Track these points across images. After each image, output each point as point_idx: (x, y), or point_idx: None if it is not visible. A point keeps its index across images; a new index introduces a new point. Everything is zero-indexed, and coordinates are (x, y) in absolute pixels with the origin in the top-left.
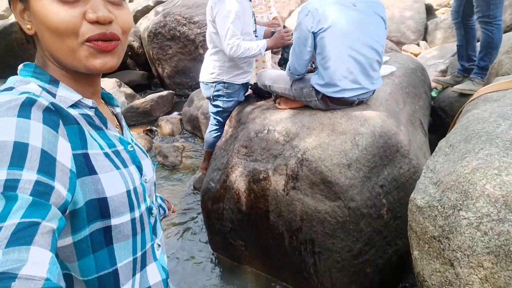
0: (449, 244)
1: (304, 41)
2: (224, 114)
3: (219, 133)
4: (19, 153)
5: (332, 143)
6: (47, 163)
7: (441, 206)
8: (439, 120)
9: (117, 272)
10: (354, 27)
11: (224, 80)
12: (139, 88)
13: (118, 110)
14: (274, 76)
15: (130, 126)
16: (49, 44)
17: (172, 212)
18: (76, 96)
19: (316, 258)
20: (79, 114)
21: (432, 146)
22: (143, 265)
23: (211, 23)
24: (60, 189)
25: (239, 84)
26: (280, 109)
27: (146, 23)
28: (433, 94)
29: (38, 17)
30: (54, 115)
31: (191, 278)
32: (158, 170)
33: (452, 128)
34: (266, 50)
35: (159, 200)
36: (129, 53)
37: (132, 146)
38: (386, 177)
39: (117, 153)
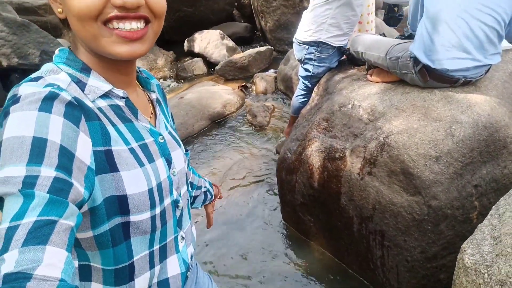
0: None
1: None
2: (313, 79)
3: (305, 99)
4: (37, 149)
5: (422, 129)
6: (66, 160)
7: (488, 275)
8: None
9: (133, 265)
10: None
11: (321, 40)
12: (242, 40)
13: (154, 96)
14: (369, 42)
15: (227, 80)
16: (75, 28)
17: (219, 198)
18: (107, 86)
19: (384, 252)
20: (108, 105)
21: None
22: (163, 257)
23: None
24: (78, 186)
25: (334, 47)
26: (371, 81)
27: None
28: None
29: (66, 2)
30: (77, 110)
31: (258, 242)
32: (245, 129)
33: None
34: None
35: (207, 185)
36: (236, 3)
37: (162, 138)
38: (484, 177)
39: (144, 147)
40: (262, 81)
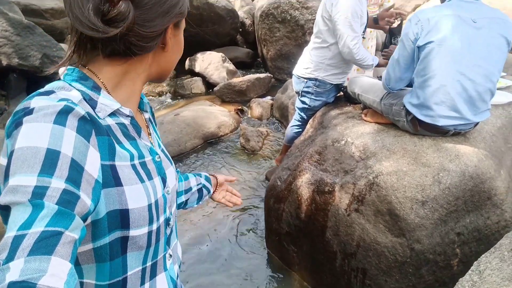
0: None
1: (409, 54)
2: (309, 112)
3: (300, 130)
4: (50, 160)
5: (411, 173)
6: (76, 173)
7: None
8: None
9: (126, 280)
10: (468, 47)
11: (319, 78)
12: (242, 65)
13: (147, 116)
14: (366, 85)
15: (224, 102)
16: (171, 60)
17: (232, 181)
18: (115, 105)
19: None
20: (115, 123)
21: None
22: (153, 274)
23: (325, 20)
24: (85, 199)
25: (331, 84)
26: (365, 121)
27: (262, 2)
28: None
29: (180, 44)
30: (88, 124)
31: (239, 269)
32: (237, 152)
33: None
34: (376, 66)
35: (202, 181)
36: (240, 29)
37: (159, 157)
38: (467, 225)
39: (143, 165)
40: (258, 107)
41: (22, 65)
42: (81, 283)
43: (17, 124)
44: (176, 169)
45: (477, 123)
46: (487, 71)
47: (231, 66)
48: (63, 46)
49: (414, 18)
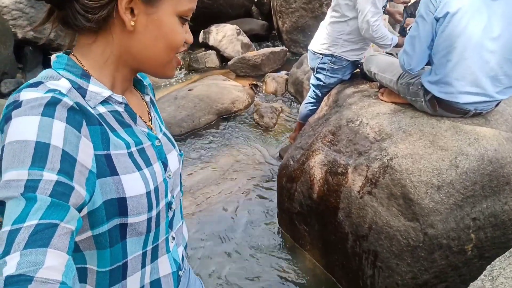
0: None
1: (430, 26)
2: (324, 89)
3: (314, 107)
4: (40, 153)
5: (427, 156)
6: (68, 164)
7: None
8: None
9: (126, 265)
10: (487, 19)
11: (335, 54)
12: (257, 38)
13: (148, 98)
14: (383, 64)
15: (238, 77)
16: (156, 52)
17: None
18: (106, 92)
19: (375, 272)
20: (108, 111)
21: None
22: (155, 257)
23: None
24: (80, 190)
25: (348, 61)
26: (381, 100)
27: None
28: None
29: (162, 27)
30: (78, 115)
31: (251, 244)
32: (251, 128)
33: None
34: (396, 46)
35: None
36: (255, 0)
37: (159, 141)
38: (483, 211)
39: (142, 151)
40: (273, 82)
41: (37, 38)
42: (85, 269)
43: (7, 118)
44: (180, 152)
45: (498, 102)
46: (509, 42)
47: (246, 39)
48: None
49: None
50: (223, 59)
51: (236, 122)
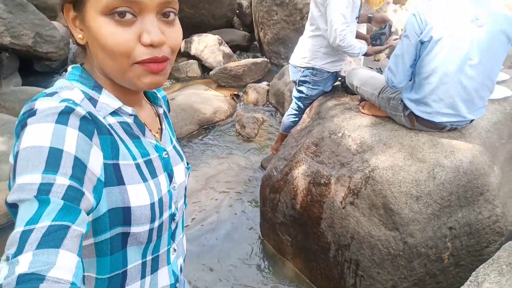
0: None
1: (413, 47)
2: (306, 101)
3: (297, 119)
4: (53, 158)
5: (406, 168)
6: (79, 170)
7: None
8: None
9: (126, 273)
10: (470, 46)
11: (316, 67)
12: (238, 48)
13: (160, 111)
14: (364, 78)
15: (220, 87)
16: (100, 60)
17: None
18: (116, 104)
19: (357, 281)
20: (118, 122)
21: None
22: (155, 268)
23: (318, 5)
24: (89, 196)
25: (329, 72)
26: (362, 113)
27: None
28: None
29: (92, 34)
30: (90, 124)
31: (233, 254)
32: (233, 138)
33: None
34: (364, 55)
35: None
36: (237, 11)
37: (167, 153)
38: (459, 220)
39: (148, 163)
40: (254, 92)
41: (14, 44)
42: (83, 277)
43: (22, 125)
44: (188, 165)
45: (472, 120)
46: (487, 69)
47: (227, 50)
48: (56, 24)
49: (417, 13)
50: (205, 69)
51: (217, 132)
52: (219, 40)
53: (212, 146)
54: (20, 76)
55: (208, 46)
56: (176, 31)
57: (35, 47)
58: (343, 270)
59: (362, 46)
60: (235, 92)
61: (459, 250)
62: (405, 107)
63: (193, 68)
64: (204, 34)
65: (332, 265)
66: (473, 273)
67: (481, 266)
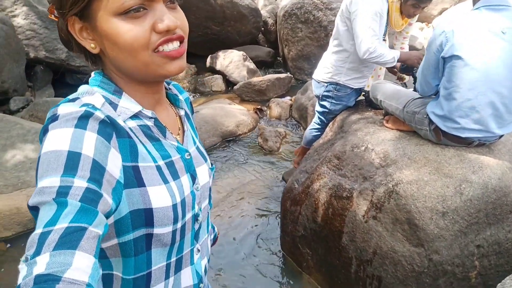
0: None
1: (433, 63)
2: (329, 115)
3: (319, 133)
4: (72, 162)
5: (432, 183)
6: (97, 173)
7: None
8: None
9: (150, 275)
10: (496, 61)
11: (339, 82)
12: (263, 64)
13: (182, 112)
14: (389, 92)
15: (243, 101)
16: (121, 61)
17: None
18: (136, 107)
19: None
20: (138, 125)
21: None
22: (178, 269)
23: (344, 20)
24: (107, 198)
25: (352, 88)
26: (386, 127)
27: (285, 2)
28: None
29: (109, 36)
30: (109, 127)
31: (253, 266)
32: (255, 151)
33: None
34: (398, 61)
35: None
36: (262, 28)
37: (189, 154)
38: (487, 238)
39: (170, 165)
40: (277, 107)
41: (49, 58)
42: (111, 275)
43: (45, 131)
44: (212, 165)
45: (502, 135)
46: None
47: (252, 65)
48: None
49: (438, 29)
50: (229, 84)
51: (240, 145)
52: (243, 56)
53: (235, 159)
54: (53, 88)
55: (233, 61)
56: (182, 14)
57: (69, 61)
58: (365, 286)
59: (393, 53)
60: (258, 106)
61: (487, 270)
62: (431, 121)
63: (217, 82)
64: (230, 50)
65: (353, 280)
66: (498, 284)
67: (508, 277)
